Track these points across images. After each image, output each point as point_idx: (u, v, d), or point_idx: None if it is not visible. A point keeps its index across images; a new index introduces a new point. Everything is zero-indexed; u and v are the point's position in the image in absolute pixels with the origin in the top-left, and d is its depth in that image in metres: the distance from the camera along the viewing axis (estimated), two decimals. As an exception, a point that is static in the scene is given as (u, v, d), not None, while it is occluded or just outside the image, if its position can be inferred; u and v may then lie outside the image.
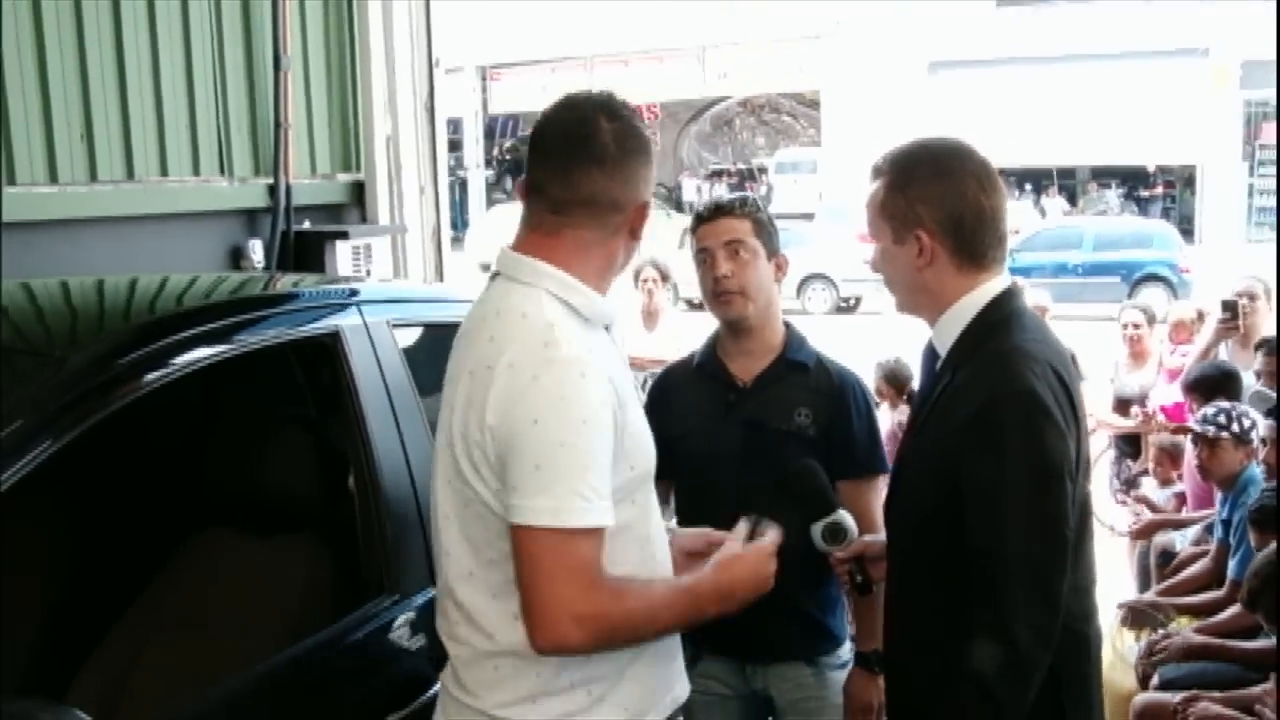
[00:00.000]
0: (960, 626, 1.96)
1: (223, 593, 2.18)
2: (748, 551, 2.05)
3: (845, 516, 2.41)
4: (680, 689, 2.11)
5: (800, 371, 2.80)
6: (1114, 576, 6.27)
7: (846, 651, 2.85)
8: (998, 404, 1.97)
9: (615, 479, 1.84)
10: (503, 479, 1.80)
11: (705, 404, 2.82)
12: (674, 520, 2.88)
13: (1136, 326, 7.22)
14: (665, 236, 17.67)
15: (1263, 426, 4.45)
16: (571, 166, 1.92)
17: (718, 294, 2.76)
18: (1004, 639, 1.92)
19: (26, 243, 4.41)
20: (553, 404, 1.76)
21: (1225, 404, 4.69)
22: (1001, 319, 2.09)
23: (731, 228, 2.76)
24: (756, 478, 2.64)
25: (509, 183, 37.73)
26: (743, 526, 2.13)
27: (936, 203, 2.09)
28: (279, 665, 2.07)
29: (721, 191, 32.83)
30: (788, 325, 2.87)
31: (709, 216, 2.81)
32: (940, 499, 2.02)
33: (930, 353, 2.23)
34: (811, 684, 2.81)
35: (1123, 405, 7.07)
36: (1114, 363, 7.40)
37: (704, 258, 2.78)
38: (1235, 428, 4.47)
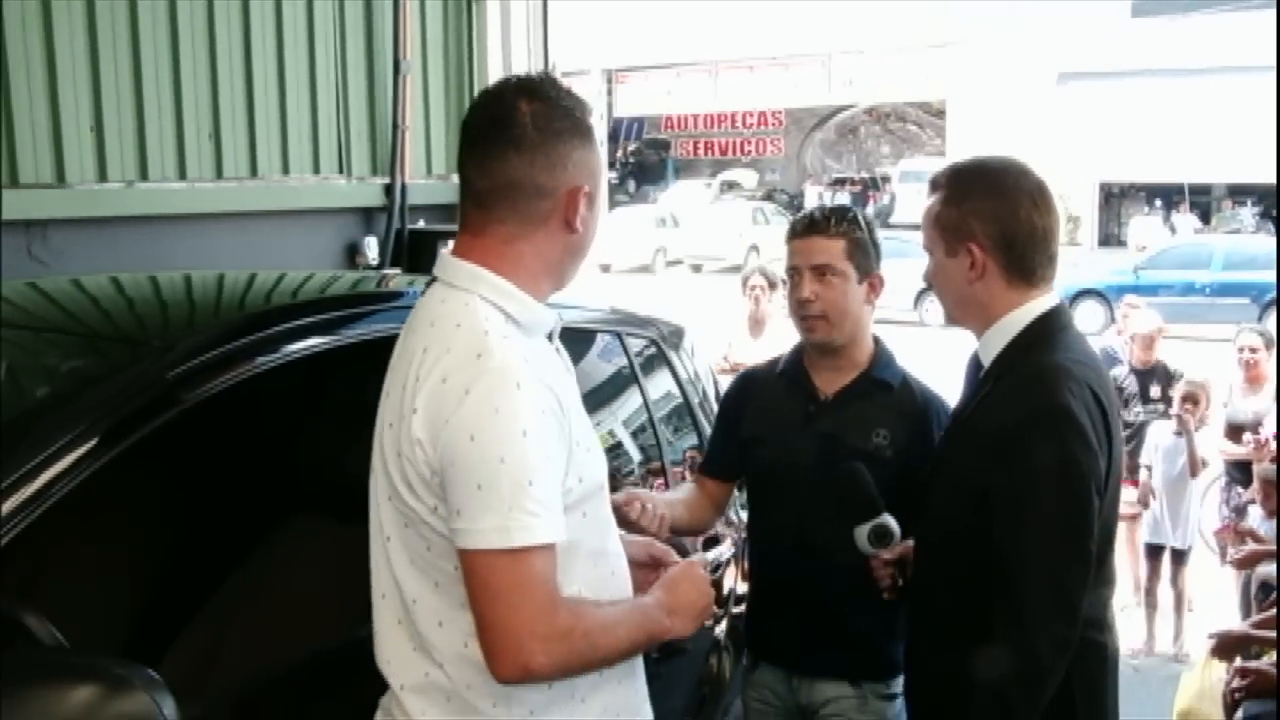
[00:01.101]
0: (981, 632, 2.01)
1: (308, 576, 2.30)
2: (689, 567, 1.95)
3: (890, 519, 2.43)
4: (645, 715, 1.99)
5: (884, 390, 2.72)
6: (1218, 605, 6.18)
7: (900, 683, 2.68)
8: (1032, 419, 2.02)
9: (566, 490, 1.73)
10: (443, 499, 1.68)
11: (784, 412, 2.75)
12: (743, 514, 2.91)
13: (1254, 350, 7.04)
14: (781, 244, 17.60)
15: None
16: (489, 154, 1.76)
17: (802, 317, 2.70)
18: (1024, 647, 1.98)
19: (157, 235, 4.68)
20: (488, 418, 1.63)
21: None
22: (1046, 335, 2.14)
23: (823, 248, 2.66)
24: (824, 492, 2.58)
25: (632, 185, 38.04)
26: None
27: (990, 218, 2.14)
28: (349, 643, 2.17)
29: (844, 200, 32.67)
30: (877, 341, 2.80)
31: (801, 232, 2.72)
32: (971, 506, 2.07)
33: (975, 364, 2.27)
34: (852, 707, 2.71)
35: (1235, 431, 6.90)
36: (1229, 387, 7.23)
37: (793, 276, 2.72)
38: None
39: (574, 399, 1.82)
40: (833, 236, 2.67)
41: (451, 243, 1.88)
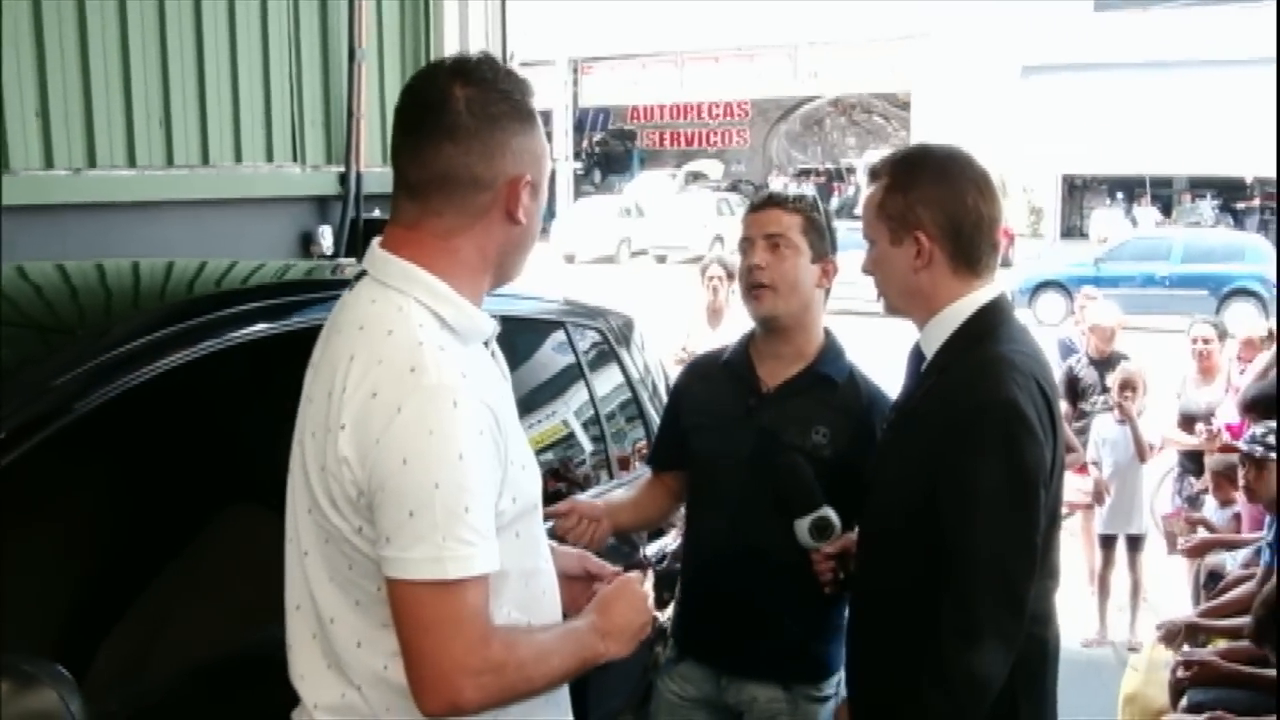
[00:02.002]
0: (926, 625, 2.00)
1: (246, 567, 2.28)
2: (624, 585, 1.85)
3: (832, 512, 2.42)
4: None
5: (828, 386, 2.64)
6: (1170, 595, 6.24)
7: (833, 684, 2.69)
8: (979, 412, 2.01)
9: (500, 511, 1.64)
10: (369, 520, 1.57)
11: (725, 403, 2.69)
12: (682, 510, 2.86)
13: (1206, 341, 7.10)
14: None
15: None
16: (422, 143, 1.64)
17: (749, 286, 2.62)
18: (970, 640, 1.97)
19: (106, 223, 4.62)
20: (422, 440, 1.51)
21: (1273, 423, 4.61)
22: (989, 327, 2.12)
23: (777, 219, 2.61)
24: (758, 488, 2.55)
25: (598, 175, 37.97)
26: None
27: (937, 206, 2.12)
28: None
29: (809, 190, 32.72)
30: (828, 333, 2.72)
31: (759, 206, 2.68)
32: (916, 501, 2.06)
33: (917, 354, 2.25)
34: (783, 709, 2.65)
35: (1188, 422, 6.96)
36: (1182, 378, 7.30)
37: (744, 246, 2.65)
38: (1291, 447, 4.39)
39: (510, 414, 1.71)
40: (789, 211, 2.63)
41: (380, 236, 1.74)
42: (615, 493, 2.87)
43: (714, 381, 2.77)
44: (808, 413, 2.61)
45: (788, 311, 2.62)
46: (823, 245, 2.65)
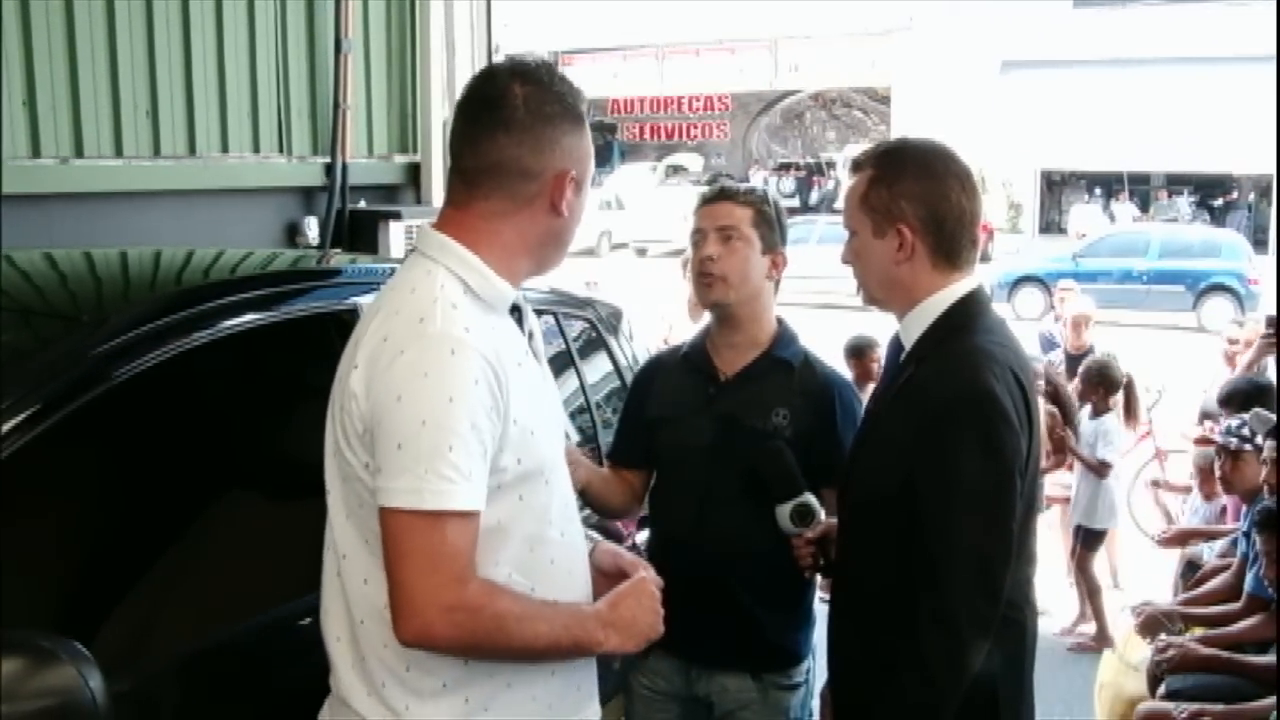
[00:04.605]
0: (905, 611, 2.04)
1: (240, 551, 2.30)
2: (638, 585, 1.93)
3: (813, 498, 2.45)
4: (590, 713, 1.98)
5: (784, 370, 2.72)
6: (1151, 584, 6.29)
7: (802, 672, 2.75)
8: (957, 402, 2.05)
9: (500, 468, 1.74)
10: (372, 455, 1.69)
11: (685, 394, 2.75)
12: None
13: (1232, 343, 7.12)
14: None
15: (1267, 447, 4.42)
16: (479, 133, 1.80)
17: (700, 275, 2.70)
18: (948, 626, 2.01)
19: (93, 212, 4.62)
20: (416, 380, 1.65)
21: (1246, 416, 4.68)
22: (967, 319, 2.16)
23: (729, 213, 2.69)
24: (724, 475, 2.61)
25: (576, 167, 37.87)
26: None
27: (921, 200, 2.15)
28: (279, 618, 2.17)
29: (789, 185, 32.77)
30: (780, 321, 2.79)
31: (711, 199, 2.75)
32: (895, 490, 2.09)
33: (896, 346, 2.29)
34: (753, 699, 2.69)
35: (1205, 419, 6.92)
36: (1212, 378, 7.28)
37: (696, 239, 2.73)
38: (1258, 440, 4.46)
39: (523, 380, 1.80)
40: (740, 204, 2.71)
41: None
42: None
43: (673, 374, 2.83)
44: (767, 397, 2.69)
45: (738, 300, 2.69)
46: (773, 237, 2.73)
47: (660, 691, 2.78)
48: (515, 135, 1.78)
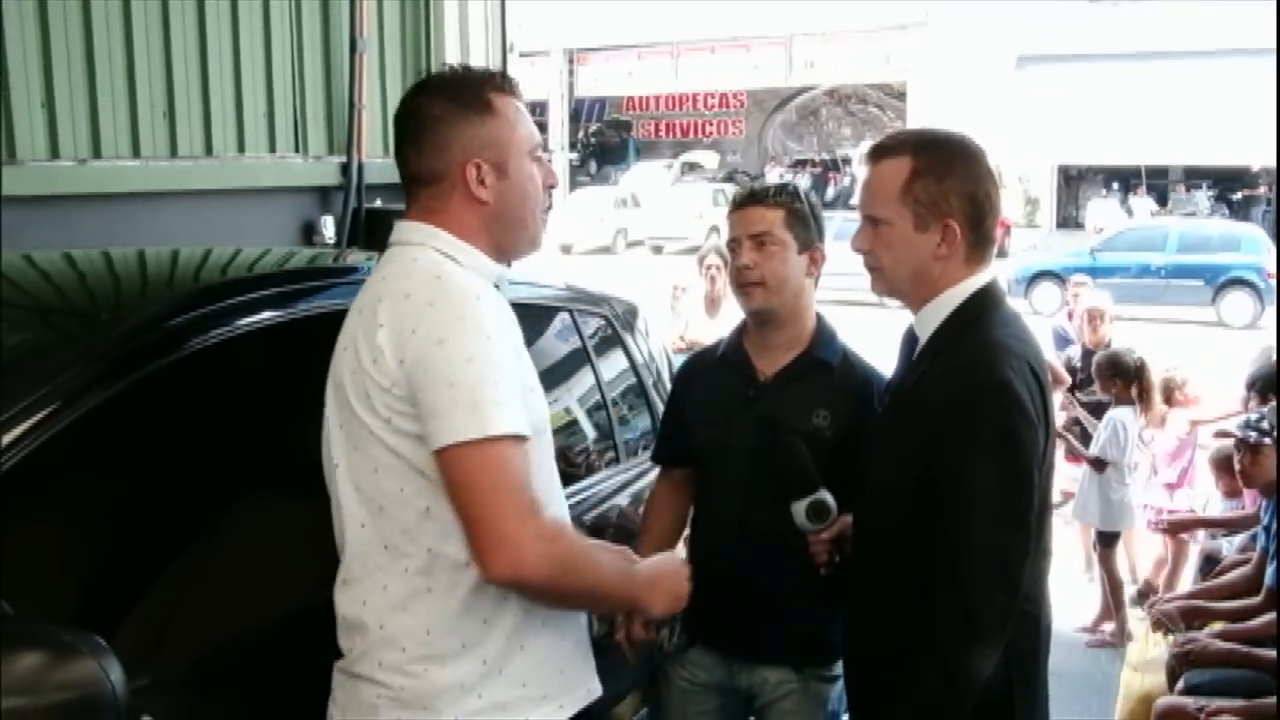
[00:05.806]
0: (922, 605, 2.04)
1: (260, 548, 2.32)
2: (673, 556, 2.14)
3: (828, 495, 2.44)
4: (595, 685, 2.02)
5: (824, 370, 2.70)
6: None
7: (841, 665, 2.69)
8: (974, 396, 2.04)
9: None
10: (398, 410, 1.76)
11: (725, 395, 2.74)
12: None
13: None
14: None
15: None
16: (399, 151, 1.97)
17: (740, 284, 2.69)
18: (966, 619, 2.01)
19: (111, 213, 4.65)
20: (454, 324, 1.74)
21: (1267, 408, 4.65)
22: (982, 311, 2.16)
23: (761, 217, 2.66)
24: (764, 476, 2.58)
25: (593, 165, 37.95)
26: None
27: (968, 196, 2.13)
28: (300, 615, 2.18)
29: (804, 182, 32.74)
30: (819, 319, 2.76)
31: (741, 204, 2.72)
32: (911, 483, 2.09)
33: (910, 338, 2.28)
34: (794, 690, 2.71)
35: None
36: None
37: (732, 247, 2.71)
38: (1276, 434, 4.41)
39: (522, 345, 1.92)
40: (771, 206, 2.67)
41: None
42: (645, 526, 2.93)
43: (712, 376, 2.81)
44: (806, 397, 2.66)
45: (780, 304, 2.68)
46: (808, 235, 2.69)
47: (700, 683, 2.79)
48: (416, 146, 1.93)
